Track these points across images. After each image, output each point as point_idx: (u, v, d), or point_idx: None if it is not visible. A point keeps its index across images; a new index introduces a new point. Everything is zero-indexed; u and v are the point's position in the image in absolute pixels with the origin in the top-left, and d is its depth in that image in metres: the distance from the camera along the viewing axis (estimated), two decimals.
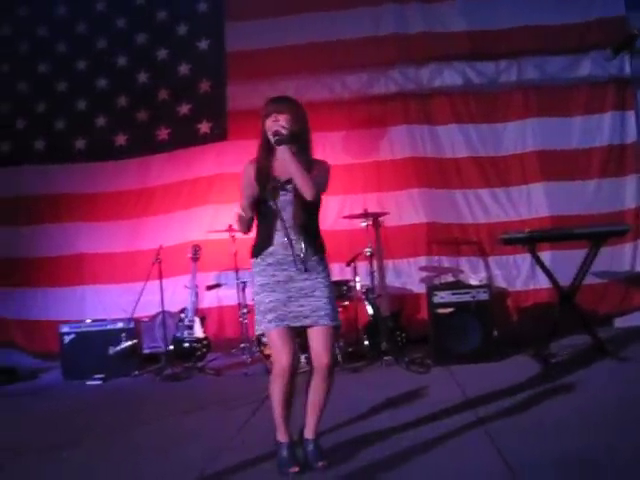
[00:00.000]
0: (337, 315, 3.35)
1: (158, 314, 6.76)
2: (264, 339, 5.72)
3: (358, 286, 6.30)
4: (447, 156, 7.30)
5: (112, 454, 3.86)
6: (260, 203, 3.28)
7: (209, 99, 7.71)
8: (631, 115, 7.11)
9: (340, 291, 6.12)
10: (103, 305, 7.37)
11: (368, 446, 3.56)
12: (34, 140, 8.02)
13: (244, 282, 6.43)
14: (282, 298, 3.23)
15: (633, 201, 7.02)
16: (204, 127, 7.68)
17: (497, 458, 3.22)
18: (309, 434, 3.35)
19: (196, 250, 6.68)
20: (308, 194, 3.17)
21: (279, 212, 3.23)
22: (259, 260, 3.31)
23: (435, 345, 5.86)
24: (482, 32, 7.31)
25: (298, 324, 3.24)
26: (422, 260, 7.17)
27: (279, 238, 3.24)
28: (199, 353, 6.48)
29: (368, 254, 6.26)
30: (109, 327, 6.55)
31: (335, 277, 6.30)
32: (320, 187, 3.25)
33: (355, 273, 6.31)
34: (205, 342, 6.57)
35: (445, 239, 7.14)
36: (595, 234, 5.64)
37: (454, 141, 7.29)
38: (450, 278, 6.71)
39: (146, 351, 6.88)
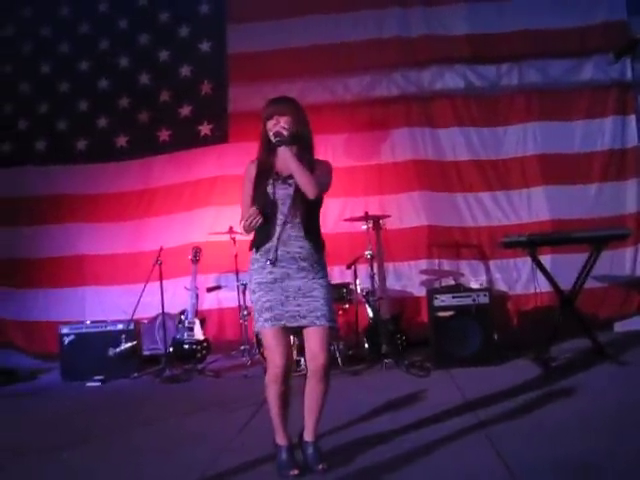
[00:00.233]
0: (334, 316, 3.35)
1: (158, 316, 6.75)
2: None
3: (358, 289, 6.30)
4: (448, 159, 7.30)
5: (111, 455, 3.85)
6: (258, 192, 3.28)
7: (210, 101, 7.73)
8: (632, 120, 7.11)
9: (340, 294, 6.12)
10: (103, 306, 7.37)
11: (368, 449, 3.55)
12: (36, 141, 8.04)
13: (244, 284, 6.43)
14: (279, 297, 3.22)
15: (634, 205, 7.02)
16: (205, 129, 7.70)
17: (497, 461, 3.21)
18: (308, 437, 3.34)
19: (196, 252, 6.68)
20: (310, 192, 3.18)
21: (278, 205, 3.23)
22: (258, 256, 3.30)
23: (435, 348, 5.85)
24: (484, 35, 7.32)
25: (295, 324, 3.24)
26: (423, 263, 7.17)
27: (278, 234, 3.24)
28: (199, 355, 6.49)
29: (369, 257, 6.25)
30: (109, 328, 6.54)
31: (336, 280, 6.35)
32: (322, 186, 3.25)
33: (355, 276, 6.31)
34: (205, 344, 6.58)
35: (446, 242, 7.14)
36: (596, 238, 5.63)
37: (455, 144, 7.30)
38: (451, 281, 6.73)
39: (146, 353, 6.87)
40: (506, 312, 6.95)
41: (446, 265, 7.15)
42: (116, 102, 7.92)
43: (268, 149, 3.31)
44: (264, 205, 3.23)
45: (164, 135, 7.80)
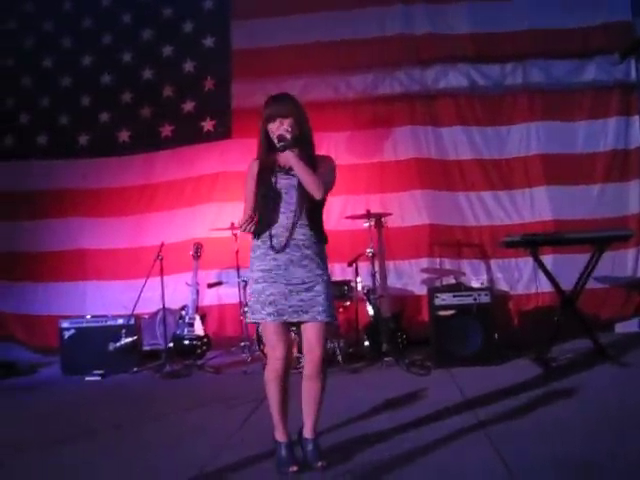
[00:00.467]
0: (333, 312, 3.36)
1: (159, 311, 6.76)
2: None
3: (359, 287, 6.30)
4: (451, 158, 7.29)
5: (111, 450, 3.85)
6: (262, 185, 3.28)
7: (213, 97, 7.72)
8: (635, 120, 7.10)
9: (341, 291, 6.12)
10: (104, 301, 7.37)
11: (367, 446, 3.55)
12: (37, 135, 8.03)
13: (245, 280, 6.41)
14: (283, 290, 3.22)
15: (636, 206, 7.01)
16: (208, 125, 7.69)
17: (497, 460, 3.21)
18: (308, 433, 3.34)
19: (197, 248, 6.68)
20: (316, 194, 3.19)
21: (282, 195, 3.24)
22: (259, 242, 3.30)
23: (436, 347, 5.84)
24: (488, 34, 7.30)
25: (297, 319, 3.24)
26: (424, 262, 7.16)
27: (281, 221, 3.24)
28: (199, 351, 6.48)
29: (370, 255, 6.25)
30: (109, 323, 6.55)
31: (337, 277, 6.34)
32: (327, 185, 3.27)
33: (356, 273, 6.30)
34: (205, 340, 6.57)
35: (447, 241, 7.13)
36: (598, 239, 5.62)
37: (458, 143, 7.29)
38: (452, 280, 6.73)
39: (146, 348, 6.88)
40: (507, 312, 6.95)
41: (447, 264, 7.14)
42: (119, 97, 7.90)
43: (268, 148, 3.31)
44: (267, 195, 3.24)
45: (167, 130, 7.79)
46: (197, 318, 6.58)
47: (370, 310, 6.18)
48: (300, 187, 3.23)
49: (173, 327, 6.63)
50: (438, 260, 7.15)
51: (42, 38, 8.13)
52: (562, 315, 5.66)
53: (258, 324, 3.33)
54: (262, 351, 6.04)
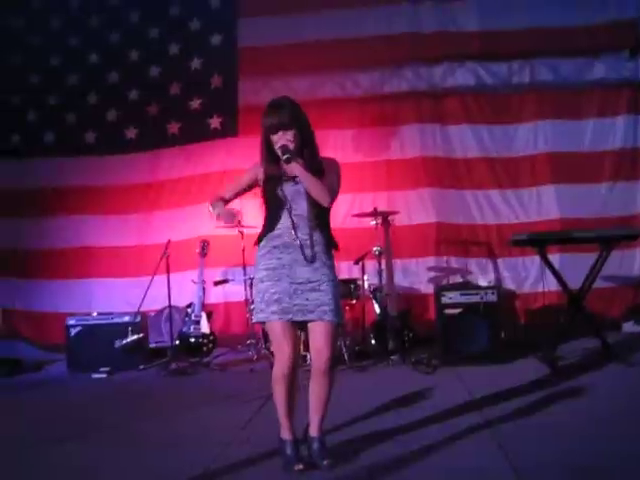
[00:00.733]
0: (341, 312, 3.34)
1: (165, 309, 6.76)
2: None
3: (366, 285, 6.30)
4: (458, 156, 7.29)
5: (117, 447, 3.85)
6: (267, 192, 3.29)
7: (220, 94, 7.72)
8: None
9: (348, 289, 6.11)
10: (110, 298, 7.39)
11: (373, 445, 3.53)
12: (44, 133, 8.05)
13: (251, 278, 6.40)
14: (287, 289, 3.21)
15: None
16: (215, 122, 7.70)
17: (503, 460, 3.19)
18: (314, 432, 3.33)
19: (204, 246, 6.68)
20: (324, 202, 3.21)
21: (287, 196, 3.23)
22: (264, 242, 3.31)
23: (442, 346, 5.82)
24: (495, 33, 7.29)
25: (302, 318, 3.22)
26: (431, 260, 7.16)
27: (286, 222, 3.24)
28: (205, 348, 6.48)
29: (376, 253, 6.23)
30: (116, 321, 6.55)
31: (343, 275, 6.33)
32: (334, 193, 3.28)
33: (363, 272, 6.30)
34: (211, 338, 6.57)
35: (454, 239, 7.13)
36: (606, 238, 5.58)
37: (465, 141, 7.29)
38: (458, 279, 6.71)
39: (152, 345, 6.88)
40: (514, 310, 6.94)
41: (454, 262, 7.13)
42: (126, 95, 7.93)
43: (272, 159, 3.30)
44: (274, 201, 3.26)
45: (174, 128, 7.80)
46: (203, 316, 6.59)
47: (377, 308, 6.17)
48: (307, 194, 3.23)
49: (179, 325, 6.64)
50: (445, 258, 7.14)
51: (49, 36, 8.16)
52: (569, 314, 5.64)
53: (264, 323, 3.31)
54: (268, 349, 6.04)
